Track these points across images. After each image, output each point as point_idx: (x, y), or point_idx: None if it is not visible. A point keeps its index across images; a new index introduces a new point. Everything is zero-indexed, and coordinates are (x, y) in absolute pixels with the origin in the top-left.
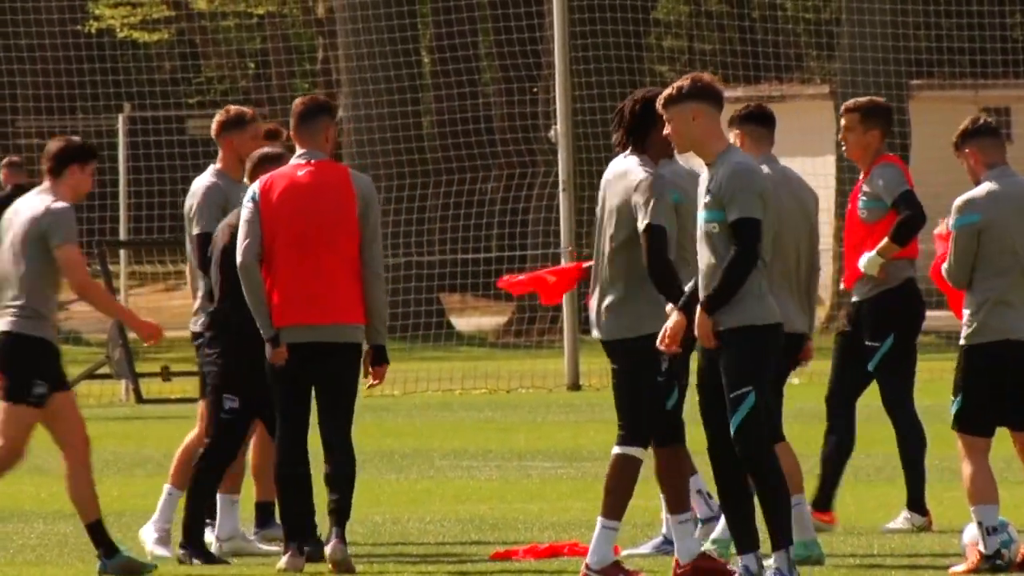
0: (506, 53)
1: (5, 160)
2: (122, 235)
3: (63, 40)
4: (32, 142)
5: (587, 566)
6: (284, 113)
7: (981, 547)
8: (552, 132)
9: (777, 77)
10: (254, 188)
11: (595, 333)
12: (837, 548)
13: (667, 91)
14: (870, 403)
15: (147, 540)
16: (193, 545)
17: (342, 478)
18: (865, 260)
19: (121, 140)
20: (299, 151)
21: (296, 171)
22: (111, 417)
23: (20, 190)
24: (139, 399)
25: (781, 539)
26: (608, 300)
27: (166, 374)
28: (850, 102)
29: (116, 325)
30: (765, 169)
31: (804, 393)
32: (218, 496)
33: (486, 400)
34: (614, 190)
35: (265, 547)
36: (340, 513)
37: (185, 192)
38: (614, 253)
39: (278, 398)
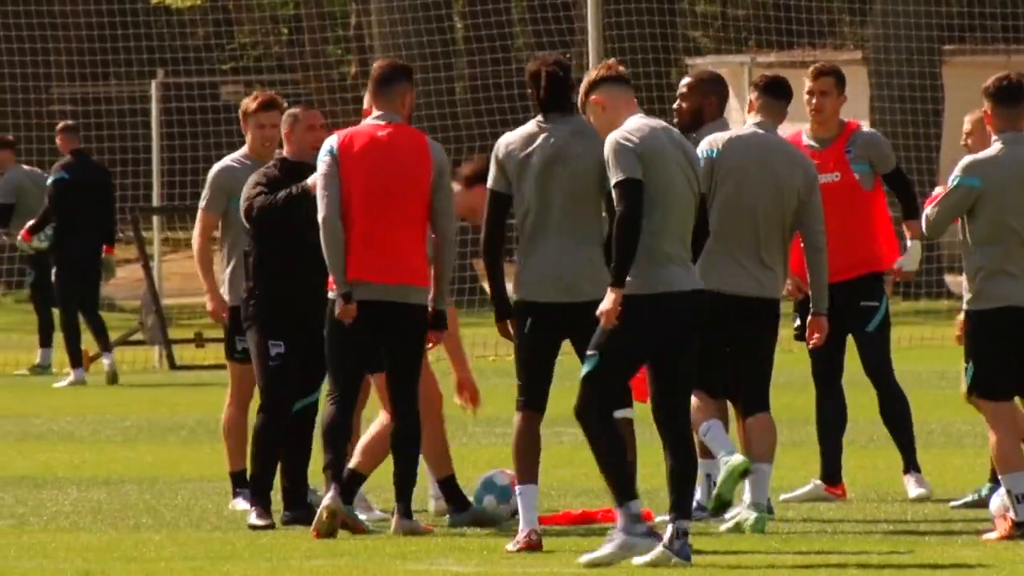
0: (539, 19)
1: (60, 125)
2: (155, 201)
3: (96, 6)
4: (66, 108)
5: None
6: (317, 79)
7: (1012, 514)
8: None
9: (810, 43)
10: (331, 142)
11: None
12: (871, 514)
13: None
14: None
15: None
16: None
17: (407, 444)
18: (915, 257)
19: (154, 106)
20: (376, 113)
21: (376, 130)
22: (144, 384)
23: (79, 154)
24: (172, 365)
25: (617, 497)
26: None
27: (199, 340)
28: (822, 65)
29: (149, 291)
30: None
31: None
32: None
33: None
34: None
35: (379, 512)
36: (404, 489)
37: (218, 158)
38: None
39: (335, 354)
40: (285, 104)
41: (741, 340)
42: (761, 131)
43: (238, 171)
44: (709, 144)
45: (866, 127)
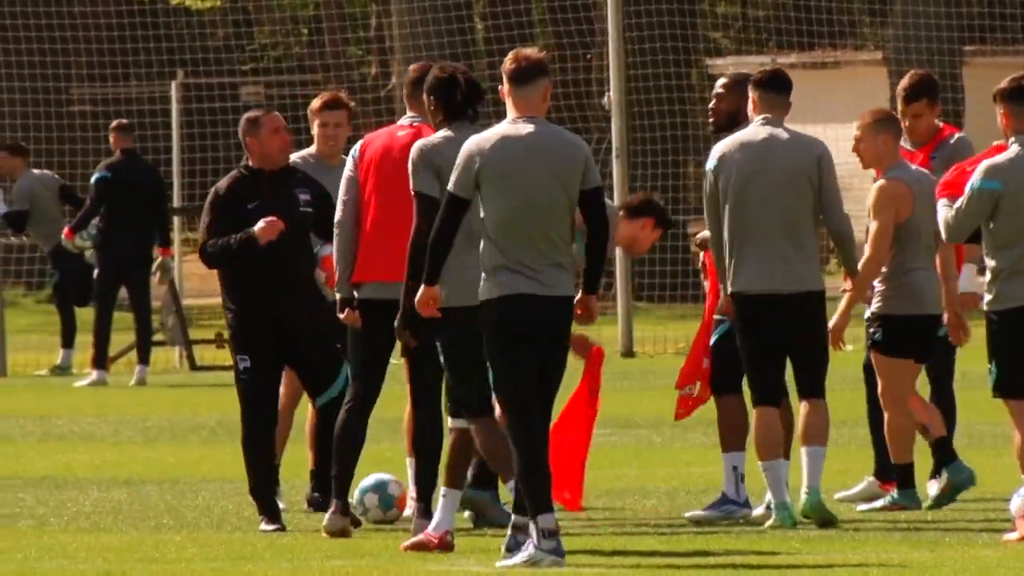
0: (559, 20)
1: (114, 123)
2: (175, 202)
3: (116, 7)
4: (86, 109)
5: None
6: (338, 80)
7: None
8: (605, 99)
9: (830, 43)
10: (355, 147)
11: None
12: (892, 514)
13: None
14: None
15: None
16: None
17: (428, 443)
18: (970, 278)
19: (174, 107)
20: (407, 114)
21: (396, 131)
22: (165, 384)
23: (128, 154)
24: (193, 366)
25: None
26: None
27: (220, 341)
28: (910, 85)
29: (170, 292)
30: (754, 134)
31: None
32: (410, 460)
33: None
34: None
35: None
36: (425, 487)
37: (238, 159)
38: None
39: (355, 357)
40: (352, 104)
41: (795, 337)
42: (767, 126)
43: (301, 167)
44: (711, 156)
45: (959, 133)
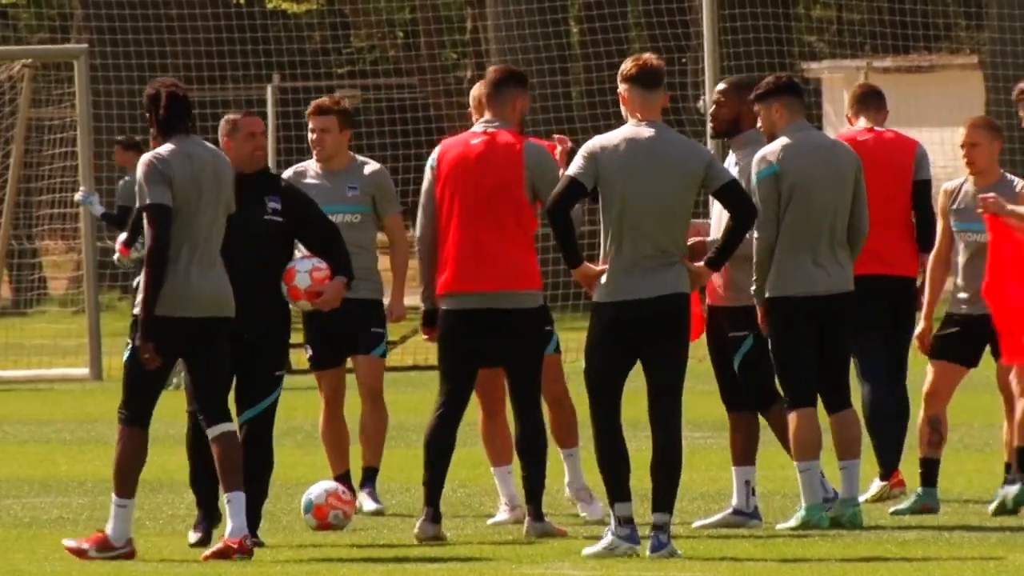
0: (655, 23)
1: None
2: None
3: (213, 10)
4: None
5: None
6: (433, 83)
7: None
8: (700, 102)
9: (926, 47)
10: (433, 156)
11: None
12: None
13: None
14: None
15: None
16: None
17: (533, 446)
18: None
19: (270, 110)
20: (483, 119)
21: (470, 139)
22: None
23: None
24: (290, 369)
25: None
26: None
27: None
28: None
29: None
30: (783, 140)
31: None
32: (492, 469)
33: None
34: None
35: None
36: (533, 491)
37: None
38: None
39: (444, 365)
40: (345, 107)
41: (834, 337)
42: (813, 131)
43: (304, 175)
44: (764, 161)
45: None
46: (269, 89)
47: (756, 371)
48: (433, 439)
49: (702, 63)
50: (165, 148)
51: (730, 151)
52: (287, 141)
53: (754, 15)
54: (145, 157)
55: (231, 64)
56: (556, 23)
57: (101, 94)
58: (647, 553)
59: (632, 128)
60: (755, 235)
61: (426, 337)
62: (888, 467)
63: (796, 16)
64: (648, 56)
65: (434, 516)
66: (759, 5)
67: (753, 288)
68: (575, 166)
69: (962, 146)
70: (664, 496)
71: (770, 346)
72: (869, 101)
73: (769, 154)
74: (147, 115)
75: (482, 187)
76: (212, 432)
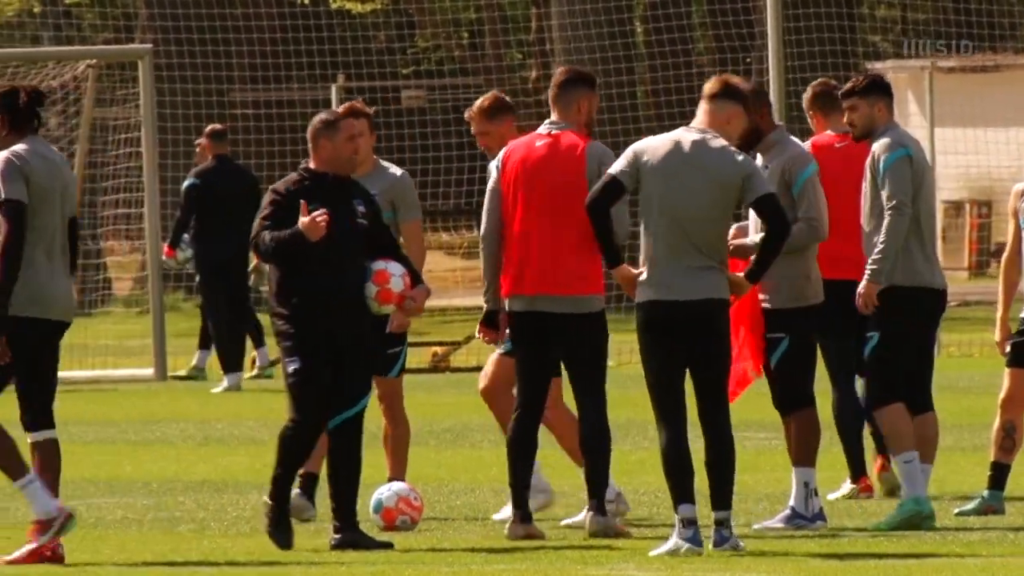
0: (719, 23)
1: (208, 129)
2: None
3: (278, 10)
4: (247, 112)
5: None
6: (499, 83)
7: None
8: None
9: (991, 47)
10: (498, 157)
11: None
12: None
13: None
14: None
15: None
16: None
17: (596, 444)
18: None
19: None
20: (547, 121)
21: (534, 141)
22: None
23: (222, 160)
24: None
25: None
26: None
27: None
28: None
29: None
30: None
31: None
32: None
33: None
34: None
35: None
36: (594, 484)
37: (399, 162)
38: None
39: (518, 367)
40: (371, 111)
41: (933, 335)
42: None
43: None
44: (897, 144)
45: None
46: (333, 89)
47: (790, 374)
48: (514, 441)
49: (766, 63)
50: (21, 147)
51: (758, 155)
52: None
53: (818, 15)
54: (2, 154)
55: (296, 64)
56: (621, 23)
57: (166, 94)
58: (710, 548)
59: (679, 132)
60: (887, 214)
61: (484, 337)
62: (858, 472)
63: (860, 16)
64: (732, 78)
65: (523, 517)
66: (823, 5)
67: (874, 268)
68: (618, 164)
69: None
70: (722, 492)
71: (880, 336)
72: (831, 103)
73: (899, 139)
74: None
75: (545, 189)
76: (36, 437)
